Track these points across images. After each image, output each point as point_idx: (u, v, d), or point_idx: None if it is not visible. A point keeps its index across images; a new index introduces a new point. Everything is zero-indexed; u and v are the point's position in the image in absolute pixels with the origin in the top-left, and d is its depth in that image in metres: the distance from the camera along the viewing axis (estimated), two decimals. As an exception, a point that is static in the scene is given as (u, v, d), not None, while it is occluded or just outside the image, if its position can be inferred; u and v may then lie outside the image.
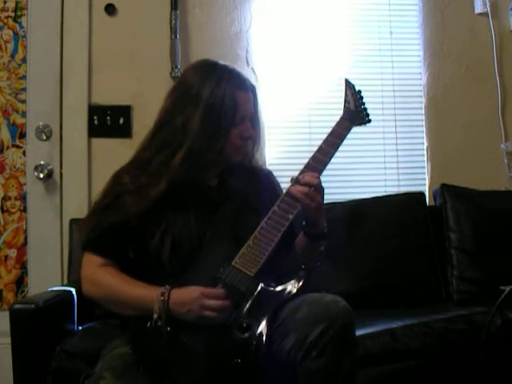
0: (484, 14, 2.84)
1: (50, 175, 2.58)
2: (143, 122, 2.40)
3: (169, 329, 1.44)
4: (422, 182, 2.85)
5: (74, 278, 2.23)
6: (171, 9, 2.64)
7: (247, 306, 1.46)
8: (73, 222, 2.44)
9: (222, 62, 1.71)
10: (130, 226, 1.58)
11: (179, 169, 1.61)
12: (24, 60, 2.62)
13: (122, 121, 2.65)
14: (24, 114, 2.62)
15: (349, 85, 1.70)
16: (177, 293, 1.47)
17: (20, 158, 2.62)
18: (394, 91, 2.87)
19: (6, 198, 2.62)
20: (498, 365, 1.92)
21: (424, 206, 2.61)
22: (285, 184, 1.66)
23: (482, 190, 2.64)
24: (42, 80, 2.61)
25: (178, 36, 2.64)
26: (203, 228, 1.59)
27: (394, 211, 2.55)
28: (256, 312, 1.45)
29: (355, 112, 1.67)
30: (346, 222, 2.44)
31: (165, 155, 1.63)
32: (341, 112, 1.68)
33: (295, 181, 1.56)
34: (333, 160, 1.61)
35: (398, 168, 2.85)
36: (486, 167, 2.82)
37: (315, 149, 1.62)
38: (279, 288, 1.49)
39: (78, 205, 2.54)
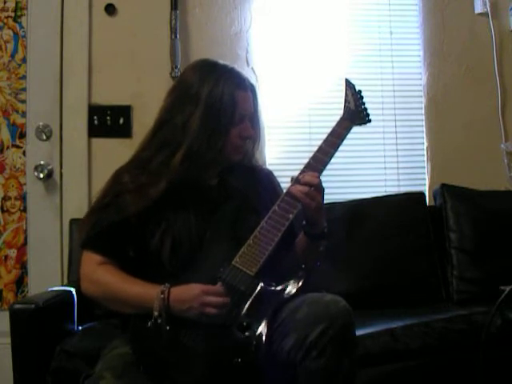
0: (484, 14, 2.84)
1: (50, 175, 2.58)
2: (143, 122, 2.40)
3: (168, 328, 1.44)
4: (422, 182, 2.85)
5: (73, 278, 2.23)
6: (171, 9, 2.64)
7: (247, 305, 1.46)
8: (73, 221, 2.44)
9: (221, 62, 1.71)
10: (130, 225, 1.58)
11: (179, 168, 1.61)
12: (24, 60, 2.62)
13: (122, 121, 2.65)
14: (24, 114, 2.62)
15: (349, 85, 1.70)
16: (177, 290, 1.47)
17: (20, 158, 2.62)
18: (393, 91, 2.87)
19: (6, 198, 2.62)
20: (498, 365, 1.92)
21: (424, 206, 2.61)
22: (285, 184, 1.66)
23: (482, 190, 2.64)
24: (42, 80, 2.61)
25: (177, 36, 2.64)
26: (203, 227, 1.59)
27: (393, 211, 2.55)
28: (256, 312, 1.45)
29: (355, 112, 1.67)
30: (346, 221, 2.44)
31: (165, 155, 1.63)
32: (341, 112, 1.67)
33: (295, 180, 1.56)
34: (333, 160, 1.60)
35: (397, 168, 2.85)
36: (486, 167, 2.82)
37: (315, 149, 1.61)
38: (279, 288, 1.49)
39: (77, 205, 2.54)
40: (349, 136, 1.64)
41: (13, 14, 2.63)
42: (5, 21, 2.63)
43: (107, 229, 1.59)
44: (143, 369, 1.44)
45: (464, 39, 2.86)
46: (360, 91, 1.69)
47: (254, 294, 1.47)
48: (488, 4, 2.82)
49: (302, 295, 1.48)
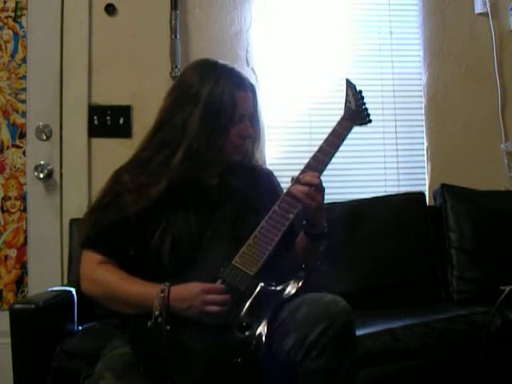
0: (484, 14, 2.84)
1: (50, 175, 2.58)
2: (143, 122, 2.40)
3: (168, 328, 1.44)
4: (422, 182, 2.85)
5: (73, 278, 2.23)
6: (171, 9, 2.64)
7: (247, 305, 1.46)
8: (73, 221, 2.44)
9: (221, 62, 1.71)
10: (130, 225, 1.58)
11: (179, 168, 1.61)
12: (24, 60, 2.62)
13: (122, 121, 2.65)
14: (24, 114, 2.62)
15: (350, 85, 1.71)
16: (176, 289, 1.47)
17: (20, 158, 2.62)
18: (393, 91, 2.87)
19: (6, 198, 2.62)
20: (498, 365, 1.92)
21: (424, 206, 2.61)
22: (285, 184, 1.66)
23: (482, 190, 2.64)
24: (42, 80, 2.61)
25: (177, 36, 2.64)
26: (203, 227, 1.59)
27: (394, 211, 2.55)
28: (256, 311, 1.45)
29: (356, 112, 1.67)
30: (346, 221, 2.44)
31: (165, 155, 1.63)
32: (341, 112, 1.68)
33: (296, 180, 1.56)
34: (333, 160, 1.60)
35: (397, 168, 2.85)
36: (486, 167, 2.82)
37: (315, 149, 1.62)
38: (279, 288, 1.49)
39: (77, 205, 2.54)
40: (349, 136, 1.64)
41: (13, 14, 2.63)
42: (5, 21, 2.63)
43: (107, 228, 1.59)
44: (143, 369, 1.44)
45: (464, 39, 2.86)
46: (361, 91, 1.70)
47: (253, 294, 1.47)
48: (488, 4, 2.82)
49: (302, 295, 1.48)
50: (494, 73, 2.82)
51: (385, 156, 2.85)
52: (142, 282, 1.53)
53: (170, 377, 1.42)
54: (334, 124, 1.65)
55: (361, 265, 2.41)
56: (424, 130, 2.85)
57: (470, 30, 2.86)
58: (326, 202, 1.61)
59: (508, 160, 2.83)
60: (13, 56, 2.63)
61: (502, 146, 2.83)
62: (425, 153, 2.85)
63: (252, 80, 1.78)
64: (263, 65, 2.77)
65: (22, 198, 2.61)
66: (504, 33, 2.85)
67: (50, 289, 2.07)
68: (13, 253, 2.61)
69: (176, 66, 2.62)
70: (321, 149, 1.61)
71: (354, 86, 1.70)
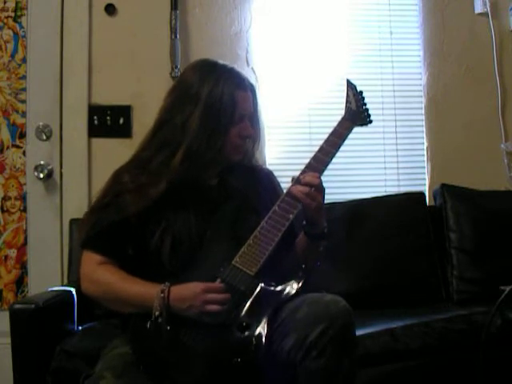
0: (484, 14, 2.84)
1: (50, 175, 2.58)
2: (143, 122, 2.40)
3: (168, 328, 1.44)
4: (422, 182, 2.85)
5: (73, 278, 2.23)
6: (171, 9, 2.64)
7: (247, 305, 1.46)
8: (73, 221, 2.44)
9: (221, 62, 1.71)
10: (130, 225, 1.58)
11: (179, 168, 1.61)
12: (24, 60, 2.62)
13: (122, 121, 2.65)
14: (24, 114, 2.62)
15: (350, 85, 1.71)
16: (177, 289, 1.47)
17: (20, 158, 2.62)
18: (393, 91, 2.87)
19: (6, 198, 2.62)
20: (498, 365, 1.92)
21: (424, 206, 2.61)
22: (285, 184, 1.66)
23: (482, 190, 2.64)
24: (42, 80, 2.61)
25: (177, 36, 2.64)
26: (203, 227, 1.59)
27: (394, 211, 2.55)
28: (256, 312, 1.45)
29: (357, 112, 1.67)
30: (346, 221, 2.44)
31: (165, 155, 1.63)
32: (341, 112, 1.68)
33: (296, 180, 1.56)
34: (333, 160, 1.61)
35: (397, 168, 2.85)
36: (486, 167, 2.82)
37: (315, 149, 1.62)
38: (279, 288, 1.49)
39: (77, 205, 2.54)
40: (349, 136, 1.64)
41: (13, 14, 2.63)
42: (5, 21, 2.63)
43: (107, 228, 1.59)
44: (143, 369, 1.44)
45: (464, 39, 2.86)
46: (361, 92, 1.70)
47: (253, 294, 1.47)
48: (488, 4, 2.82)
49: (302, 295, 1.48)
50: (494, 73, 2.82)
51: (385, 156, 2.85)
52: (142, 282, 1.53)
53: (170, 377, 1.42)
54: (334, 124, 1.65)
55: (361, 265, 2.41)
56: (424, 130, 2.85)
57: (470, 29, 2.86)
58: (326, 202, 1.61)
59: (508, 160, 2.83)
60: (13, 56, 2.63)
61: (502, 146, 2.83)
62: (425, 153, 2.85)
63: (252, 80, 1.79)
64: (263, 65, 2.77)
65: (22, 198, 2.61)
66: (504, 33, 2.85)
67: (50, 289, 2.07)
68: (13, 253, 2.61)
69: (176, 66, 2.62)
70: (321, 149, 1.61)
71: (355, 86, 1.71)
